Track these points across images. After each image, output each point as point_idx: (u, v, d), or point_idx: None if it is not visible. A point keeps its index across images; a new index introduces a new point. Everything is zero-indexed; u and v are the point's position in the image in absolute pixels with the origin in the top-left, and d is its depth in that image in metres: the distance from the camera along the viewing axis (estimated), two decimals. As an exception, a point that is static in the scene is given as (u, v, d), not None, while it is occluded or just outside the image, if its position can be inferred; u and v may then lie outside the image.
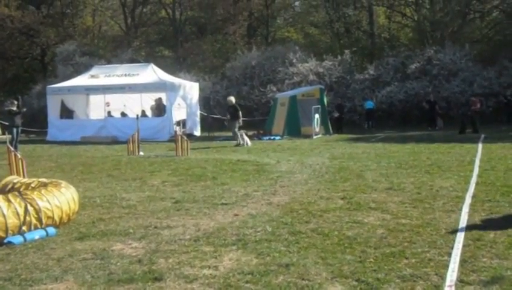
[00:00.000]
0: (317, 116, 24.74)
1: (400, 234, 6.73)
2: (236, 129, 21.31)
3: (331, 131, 26.39)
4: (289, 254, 5.96)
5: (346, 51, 35.19)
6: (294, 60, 34.78)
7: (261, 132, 25.92)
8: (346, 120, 29.95)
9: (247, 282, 5.13)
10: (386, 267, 5.46)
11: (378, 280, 5.11)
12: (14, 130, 19.38)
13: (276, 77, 34.62)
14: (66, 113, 28.23)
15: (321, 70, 34.03)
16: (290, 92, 28.01)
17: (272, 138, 24.17)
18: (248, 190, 10.15)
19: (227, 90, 35.15)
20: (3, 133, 30.40)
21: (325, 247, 6.21)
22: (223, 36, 45.56)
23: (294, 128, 24.91)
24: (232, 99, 22.69)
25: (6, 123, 20.64)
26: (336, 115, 28.46)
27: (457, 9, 35.49)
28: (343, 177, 11.53)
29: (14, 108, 19.78)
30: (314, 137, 23.92)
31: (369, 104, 30.75)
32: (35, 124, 31.48)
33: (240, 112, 22.24)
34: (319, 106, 25.28)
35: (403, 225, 7.15)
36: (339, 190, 10.01)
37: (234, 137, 21.34)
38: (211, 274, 5.36)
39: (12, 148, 12.57)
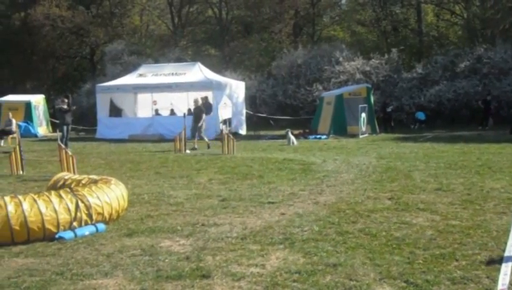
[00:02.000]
0: (363, 115, 24.51)
1: (449, 235, 6.61)
2: (202, 130, 19.94)
3: (377, 130, 26.09)
4: (336, 254, 5.92)
5: (394, 50, 34.74)
6: (340, 59, 34.51)
7: (307, 130, 25.85)
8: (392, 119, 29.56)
9: (294, 281, 5.12)
10: (435, 269, 5.37)
11: (428, 281, 5.03)
12: (65, 127, 19.77)
13: (322, 75, 34.41)
14: (115, 111, 28.66)
15: (368, 68, 33.68)
16: (337, 91, 27.83)
17: (318, 137, 24.06)
18: (294, 189, 10.13)
19: (273, 89, 35.16)
20: (54, 131, 31.12)
21: (372, 247, 6.15)
22: (269, 35, 45.56)
23: (341, 127, 24.73)
24: (199, 100, 21.03)
25: (57, 121, 21.08)
26: (389, 109, 27.96)
27: (509, 6, 34.60)
28: (391, 177, 11.39)
29: (65, 106, 20.18)
30: (361, 136, 23.70)
31: (421, 116, 30.24)
32: (84, 122, 32.10)
33: (204, 115, 20.42)
34: (366, 105, 25.03)
35: (453, 227, 7.02)
36: (387, 190, 9.89)
37: (193, 139, 19.72)
38: (258, 272, 5.37)
39: (63, 146, 12.84)
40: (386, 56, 34.35)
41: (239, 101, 28.59)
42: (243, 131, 28.15)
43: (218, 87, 26.27)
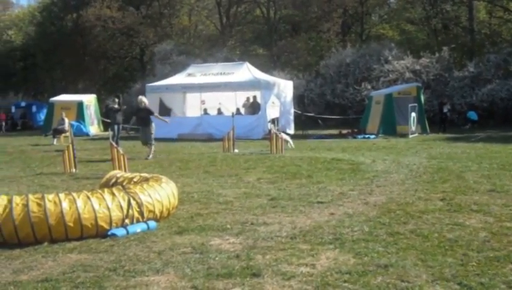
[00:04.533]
0: (413, 114, 24.15)
1: (504, 237, 6.45)
2: (152, 137, 17.19)
3: (428, 130, 25.67)
4: (387, 255, 5.84)
5: (444, 48, 34.15)
6: (389, 58, 34.13)
7: (356, 130, 25.64)
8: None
9: (345, 281, 5.07)
10: (490, 271, 5.24)
11: (482, 284, 4.91)
12: (116, 126, 20.11)
13: (371, 74, 34.09)
14: (164, 110, 28.98)
15: (418, 67, 33.20)
16: (386, 90, 27.53)
17: (367, 136, 23.84)
18: (344, 189, 10.05)
19: (321, 88, 35.01)
20: (106, 130, 31.72)
21: (424, 249, 6.05)
22: (317, 34, 45.40)
23: (390, 126, 24.44)
24: (145, 100, 18.19)
25: (108, 120, 21.47)
26: (446, 109, 27.47)
27: None
28: (442, 178, 11.18)
29: (116, 106, 20.54)
30: (411, 136, 23.36)
31: (473, 116, 29.64)
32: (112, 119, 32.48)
33: (155, 116, 18.13)
34: (416, 104, 24.66)
35: (507, 229, 6.85)
36: (438, 191, 9.71)
37: (148, 146, 17.24)
38: (308, 272, 5.34)
39: (114, 144, 13.06)
40: (437, 55, 33.80)
41: (287, 101, 28.58)
42: (290, 130, 28.09)
43: (266, 87, 26.31)
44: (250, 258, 5.82)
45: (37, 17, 54.86)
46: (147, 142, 16.92)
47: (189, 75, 28.83)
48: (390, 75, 33.16)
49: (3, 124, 39.27)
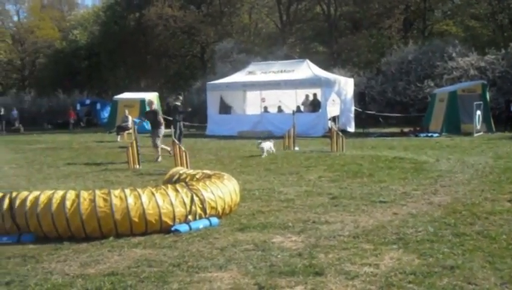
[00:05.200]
0: (479, 112, 23.50)
1: None
2: (158, 141, 16.26)
3: (493, 129, 24.93)
4: (453, 256, 5.71)
5: (511, 44, 33.07)
6: (453, 54, 33.29)
7: (418, 128, 25.16)
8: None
9: (409, 282, 4.99)
10: (563, 275, 5.05)
11: (555, 289, 4.74)
12: (178, 124, 20.41)
13: (434, 71, 33.33)
14: (224, 108, 29.24)
15: (483, 64, 32.25)
16: (450, 88, 26.87)
17: (430, 134, 23.34)
18: (407, 189, 9.88)
19: (383, 85, 34.49)
20: (168, 128, 32.20)
21: (492, 251, 5.88)
22: (378, 31, 44.78)
23: (454, 125, 23.84)
24: (153, 100, 17.75)
25: (170, 118, 21.80)
26: None
27: None
28: (510, 178, 10.82)
29: (179, 103, 20.83)
30: (475, 135, 22.74)
31: None
32: (195, 119, 32.95)
33: (161, 118, 16.98)
34: (481, 102, 23.98)
35: None
36: (506, 191, 9.42)
37: (155, 150, 16.40)
38: (371, 272, 5.28)
39: (176, 141, 13.24)
40: (503, 51, 32.74)
41: (347, 98, 28.33)
42: (351, 128, 27.85)
43: (327, 84, 26.15)
44: (313, 257, 5.79)
45: (101, 17, 56.17)
46: (155, 144, 16.22)
47: (250, 73, 28.94)
48: (454, 73, 32.33)
49: (72, 121, 40.40)
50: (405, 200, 8.78)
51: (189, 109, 22.12)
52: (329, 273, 5.25)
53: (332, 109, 26.69)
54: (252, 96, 29.07)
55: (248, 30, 51.56)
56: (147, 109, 31.15)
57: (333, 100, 27.06)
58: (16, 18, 66.08)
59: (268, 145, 16.50)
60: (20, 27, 63.70)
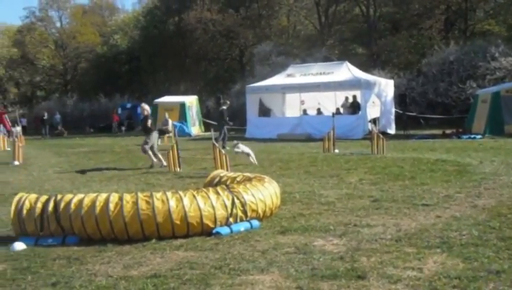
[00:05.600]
0: (524, 113, 23.00)
1: None
2: (147, 146, 15.70)
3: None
4: (499, 261, 5.57)
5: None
6: (496, 54, 32.67)
7: (460, 130, 24.77)
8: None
9: (454, 287, 4.89)
10: None
11: None
12: (225, 127, 20.67)
13: (476, 72, 32.77)
14: (264, 111, 29.30)
15: (527, 64, 31.60)
16: (493, 88, 26.36)
17: (472, 136, 22.94)
18: (450, 191, 9.71)
19: (423, 87, 34.08)
20: (207, 131, 32.43)
21: (539, 255, 5.73)
22: (418, 31, 44.27)
23: (497, 126, 23.37)
24: (146, 108, 16.63)
25: (211, 121, 22.02)
26: None
27: None
28: (557, 181, 10.57)
29: (225, 107, 21.10)
30: (520, 136, 22.26)
31: None
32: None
33: (151, 124, 16.05)
34: (526, 103, 23.47)
35: None
36: (553, 194, 9.19)
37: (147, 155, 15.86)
38: (415, 276, 5.20)
39: (216, 144, 13.28)
40: (548, 50, 32.02)
41: (388, 100, 28.06)
42: (391, 130, 27.58)
43: (367, 86, 25.96)
44: (355, 260, 5.74)
45: (141, 22, 56.96)
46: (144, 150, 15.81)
47: (289, 75, 28.94)
48: (497, 73, 31.73)
49: (116, 125, 41.01)
50: (448, 203, 8.63)
51: (231, 123, 22.18)
52: (371, 277, 5.19)
53: (373, 110, 26.50)
54: (291, 98, 29.07)
55: (286, 32, 51.59)
56: (189, 113, 31.50)
57: (373, 102, 26.86)
58: (58, 24, 67.45)
59: (246, 148, 14.99)
60: (63, 33, 65.04)
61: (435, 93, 33.42)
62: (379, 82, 27.52)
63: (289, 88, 28.12)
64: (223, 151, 12.94)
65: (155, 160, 15.52)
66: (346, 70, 27.54)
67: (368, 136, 19.85)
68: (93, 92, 54.31)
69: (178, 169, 14.28)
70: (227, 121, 21.14)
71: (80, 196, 7.07)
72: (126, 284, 5.26)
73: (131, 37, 59.11)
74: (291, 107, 29.18)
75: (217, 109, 35.86)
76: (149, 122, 15.92)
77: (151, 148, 15.72)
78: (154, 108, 35.03)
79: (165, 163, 15.08)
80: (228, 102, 21.67)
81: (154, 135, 16.06)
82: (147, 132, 15.92)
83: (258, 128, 27.61)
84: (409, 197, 9.21)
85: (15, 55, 65.62)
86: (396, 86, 30.06)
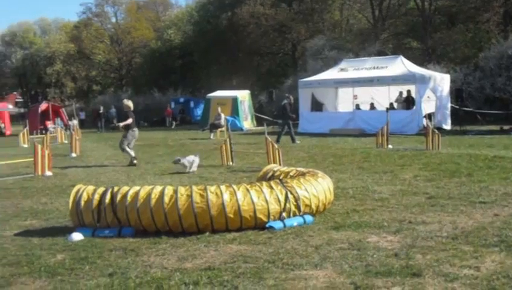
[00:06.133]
0: None
1: None
2: (124, 144, 15.53)
3: None
4: (561, 262, 5.41)
5: None
6: (557, 48, 31.61)
7: (519, 126, 24.13)
8: None
9: (514, 287, 4.78)
10: None
11: None
12: (287, 122, 20.78)
13: (537, 66, 31.77)
14: (316, 106, 29.17)
15: None
16: (553, 83, 25.57)
17: (532, 133, 22.32)
18: (508, 189, 9.45)
19: (480, 81, 33.19)
20: (259, 125, 32.53)
21: None
22: (475, 25, 43.19)
23: (558, 122, 22.66)
24: (128, 104, 16.15)
25: (265, 117, 22.15)
26: None
27: None
28: None
29: (286, 101, 21.20)
30: None
31: None
32: (286, 117, 32.99)
33: (133, 121, 15.71)
34: None
35: None
36: None
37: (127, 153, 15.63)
38: (472, 275, 5.09)
39: (269, 138, 13.25)
40: None
41: (443, 95, 27.49)
42: (447, 126, 27.03)
43: (422, 81, 25.51)
44: (410, 258, 5.66)
45: (194, 16, 57.42)
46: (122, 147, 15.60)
47: (342, 70, 28.75)
48: (558, 67, 30.69)
49: (169, 119, 41.56)
50: (507, 201, 8.41)
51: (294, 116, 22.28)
52: (427, 275, 5.11)
53: (427, 105, 26.06)
54: (344, 93, 28.84)
55: (339, 26, 51.15)
56: (241, 107, 31.66)
57: (428, 97, 26.39)
58: (114, 19, 68.70)
59: (191, 159, 13.43)
60: (118, 28, 66.22)
61: (493, 88, 32.51)
62: (434, 76, 26.98)
63: (342, 82, 27.91)
64: (276, 145, 12.91)
65: (133, 154, 15.20)
66: (400, 65, 27.14)
67: (423, 132, 19.51)
68: (147, 87, 55.12)
69: (231, 163, 14.38)
70: (290, 115, 21.27)
71: (135, 188, 7.19)
72: (181, 276, 5.32)
73: (185, 32, 59.67)
74: (344, 101, 28.96)
75: (271, 104, 35.98)
76: (130, 120, 15.51)
77: (128, 145, 15.50)
78: (207, 102, 35.42)
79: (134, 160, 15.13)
80: (291, 97, 21.73)
81: (131, 132, 15.63)
82: (126, 128, 15.54)
83: (310, 123, 27.54)
84: (466, 195, 9.02)
85: (72, 50, 67.28)
86: (452, 81, 29.42)
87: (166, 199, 6.83)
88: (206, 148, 19.90)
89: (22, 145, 24.33)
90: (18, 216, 8.55)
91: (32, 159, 14.13)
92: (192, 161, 13.27)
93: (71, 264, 5.83)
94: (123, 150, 15.63)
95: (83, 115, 47.57)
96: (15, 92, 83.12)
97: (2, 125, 38.26)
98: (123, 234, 6.94)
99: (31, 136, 25.16)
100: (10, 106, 50.86)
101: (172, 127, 39.94)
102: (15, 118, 47.43)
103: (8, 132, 37.96)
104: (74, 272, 5.57)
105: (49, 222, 8.06)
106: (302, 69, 42.87)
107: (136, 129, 15.78)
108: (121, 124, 15.70)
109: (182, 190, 6.94)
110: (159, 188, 7.04)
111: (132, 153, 15.42)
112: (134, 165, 15.06)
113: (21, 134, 26.14)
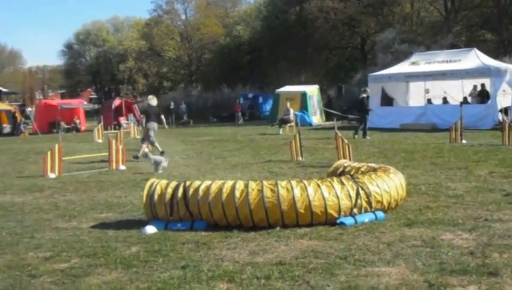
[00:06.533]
0: None
1: None
2: (153, 139, 16.22)
3: None
4: None
5: None
6: None
7: None
8: None
9: None
10: None
11: None
12: (366, 117, 20.72)
13: None
14: (386, 100, 28.71)
15: None
16: None
17: None
18: None
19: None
20: (328, 120, 32.36)
21: None
22: (554, 15, 41.46)
23: None
24: (152, 101, 16.82)
25: (332, 111, 22.05)
26: None
27: None
28: None
29: (365, 95, 21.11)
30: None
31: None
32: (355, 111, 32.69)
33: (151, 116, 16.44)
34: None
35: None
36: None
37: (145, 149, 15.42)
38: (553, 275, 4.91)
39: (339, 134, 13.16)
40: None
41: (520, 89, 26.52)
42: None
43: (497, 74, 24.68)
44: (486, 256, 5.50)
45: (263, 12, 57.53)
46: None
47: (413, 63, 28.16)
48: None
49: (238, 115, 41.90)
50: None
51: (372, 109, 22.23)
52: (504, 274, 4.96)
53: (503, 99, 25.17)
54: (415, 87, 28.22)
55: (410, 19, 50.04)
56: (310, 102, 31.62)
57: (504, 90, 25.49)
58: (183, 16, 69.70)
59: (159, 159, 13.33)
60: (188, 25, 67.12)
61: None
62: (510, 70, 26.05)
63: (413, 76, 27.35)
64: (345, 140, 12.80)
65: (146, 150, 15.08)
66: (474, 58, 26.33)
67: (498, 127, 18.89)
68: (216, 83, 55.66)
69: (300, 158, 14.35)
70: (369, 108, 21.24)
71: (207, 182, 7.29)
72: (252, 270, 5.37)
73: (253, 27, 59.90)
74: (415, 96, 28.34)
75: (340, 98, 35.72)
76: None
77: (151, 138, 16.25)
78: (276, 97, 35.46)
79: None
80: (368, 90, 21.63)
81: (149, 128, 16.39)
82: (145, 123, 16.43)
83: (380, 117, 27.07)
84: (545, 192, 8.69)
85: (143, 47, 68.68)
86: (530, 74, 28.33)
87: (237, 193, 6.90)
88: (275, 144, 19.94)
89: (97, 141, 25.05)
90: (94, 209, 8.83)
91: (106, 153, 14.56)
92: (160, 161, 13.19)
93: (145, 256, 5.97)
94: (152, 143, 16.35)
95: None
96: (89, 89, 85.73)
97: (78, 121, 39.53)
98: (195, 227, 7.06)
99: (105, 132, 25.98)
100: (85, 103, 52.61)
101: (239, 122, 40.19)
102: (89, 114, 48.86)
103: (83, 128, 39.20)
104: (148, 264, 5.71)
105: (123, 215, 8.29)
106: (371, 63, 42.34)
107: (151, 122, 16.41)
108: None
109: (253, 185, 6.98)
110: (230, 183, 7.11)
111: (146, 149, 15.50)
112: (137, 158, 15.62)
113: (95, 129, 26.94)
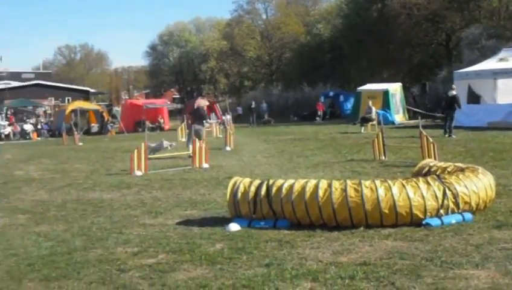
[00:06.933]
0: None
1: None
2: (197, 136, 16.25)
3: None
4: None
5: None
6: None
7: None
8: None
9: None
10: None
11: None
12: (453, 115, 20.34)
13: None
14: (473, 98, 27.82)
15: None
16: None
17: None
18: None
19: None
20: (411, 118, 31.73)
21: None
22: None
23: None
24: (202, 103, 17.50)
25: (415, 109, 21.63)
26: None
27: None
28: None
29: (455, 92, 20.70)
30: None
31: None
32: (442, 108, 31.83)
33: (196, 118, 17.70)
34: None
35: None
36: None
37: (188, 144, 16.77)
38: None
39: (424, 132, 12.86)
40: None
41: None
42: None
43: None
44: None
45: (344, 10, 57.00)
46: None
47: (501, 59, 27.16)
48: None
49: (320, 113, 41.81)
50: None
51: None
52: None
53: None
54: (504, 84, 27.19)
55: (498, 14, 48.24)
56: (392, 100, 31.14)
57: None
58: (264, 16, 70.09)
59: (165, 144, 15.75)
60: (268, 24, 67.47)
61: None
62: None
63: (501, 73, 26.36)
64: (430, 139, 12.50)
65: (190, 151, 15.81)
66: None
67: None
68: (297, 81, 55.66)
69: (383, 157, 14.14)
70: (460, 106, 20.87)
71: (290, 181, 7.31)
72: (336, 269, 5.35)
73: (334, 25, 59.46)
74: (504, 93, 27.30)
75: (423, 96, 34.96)
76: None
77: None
78: (358, 96, 35.10)
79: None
80: (455, 87, 21.21)
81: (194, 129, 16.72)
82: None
83: (466, 116, 26.24)
84: None
85: (224, 47, 69.57)
86: None
87: (320, 192, 6.89)
88: (356, 142, 19.74)
89: (180, 139, 25.60)
90: (179, 206, 9.05)
91: (190, 152, 14.85)
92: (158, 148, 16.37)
93: (229, 253, 6.06)
94: (187, 144, 17.34)
95: (240, 110, 49.26)
96: (172, 89, 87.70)
97: (162, 120, 40.58)
98: (278, 226, 7.10)
99: (188, 131, 26.48)
100: (168, 102, 53.88)
101: (317, 120, 40.08)
102: (173, 114, 50.00)
103: (166, 127, 40.20)
104: (232, 261, 5.79)
105: (207, 212, 8.44)
106: (457, 60, 41.10)
107: (195, 125, 16.94)
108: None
109: (336, 184, 6.95)
110: (313, 182, 7.10)
111: (190, 149, 15.91)
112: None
113: (179, 128, 27.56)
